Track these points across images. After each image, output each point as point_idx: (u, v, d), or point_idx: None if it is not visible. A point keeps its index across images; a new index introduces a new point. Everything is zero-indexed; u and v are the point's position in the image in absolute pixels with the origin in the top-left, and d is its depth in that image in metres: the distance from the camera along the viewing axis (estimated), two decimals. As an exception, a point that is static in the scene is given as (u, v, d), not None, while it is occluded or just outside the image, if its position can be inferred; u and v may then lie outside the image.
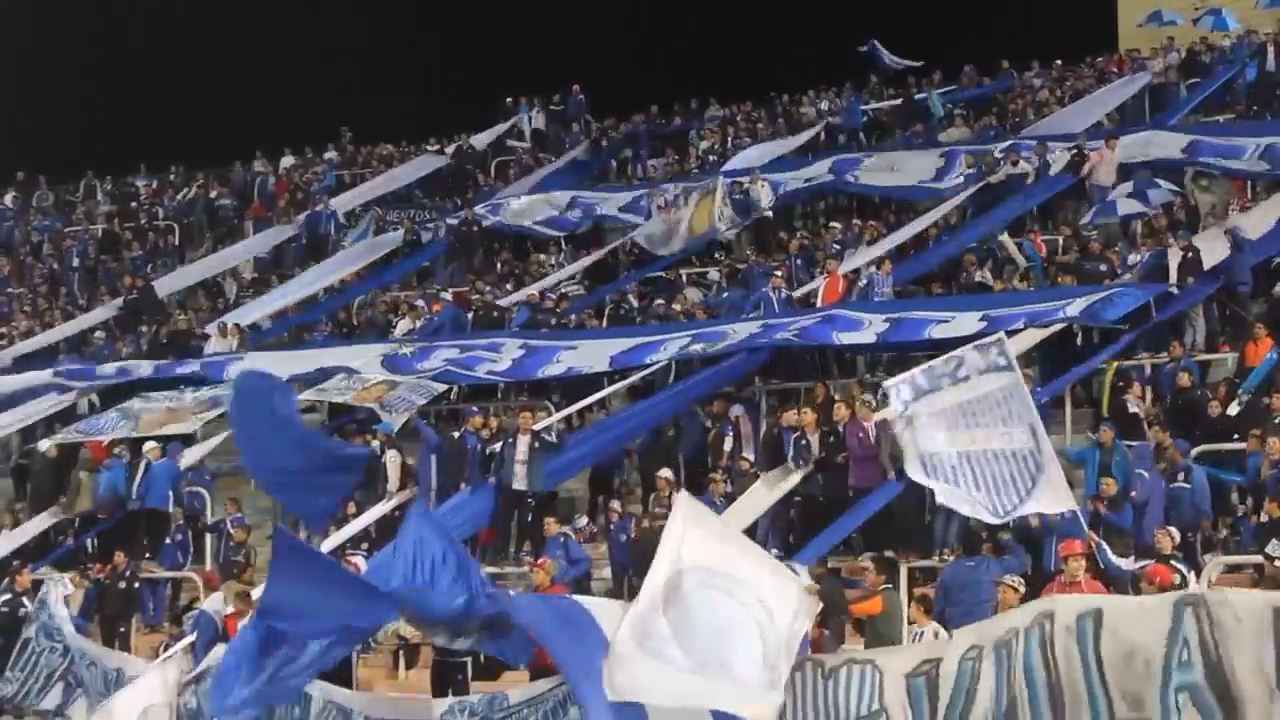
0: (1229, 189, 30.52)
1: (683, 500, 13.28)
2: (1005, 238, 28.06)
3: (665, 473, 22.01)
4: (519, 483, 21.75)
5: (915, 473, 17.17)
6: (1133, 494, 18.59)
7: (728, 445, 22.78)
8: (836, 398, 22.57)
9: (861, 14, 45.92)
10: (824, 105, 41.18)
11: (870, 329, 24.26)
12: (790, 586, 13.27)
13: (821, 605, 13.95)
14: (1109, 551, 16.83)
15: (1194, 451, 19.64)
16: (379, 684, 19.67)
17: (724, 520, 20.24)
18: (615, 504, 21.97)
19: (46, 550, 24.91)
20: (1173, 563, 15.94)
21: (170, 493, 24.63)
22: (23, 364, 33.27)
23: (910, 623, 16.76)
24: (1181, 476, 18.99)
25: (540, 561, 18.48)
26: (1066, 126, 34.45)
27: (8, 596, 21.23)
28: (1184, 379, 21.58)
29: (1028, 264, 27.60)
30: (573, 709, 14.32)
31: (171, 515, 24.68)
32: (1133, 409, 21.38)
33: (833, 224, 32.70)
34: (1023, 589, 15.46)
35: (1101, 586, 15.52)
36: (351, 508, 23.14)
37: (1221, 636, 10.86)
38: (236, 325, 32.26)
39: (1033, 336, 23.08)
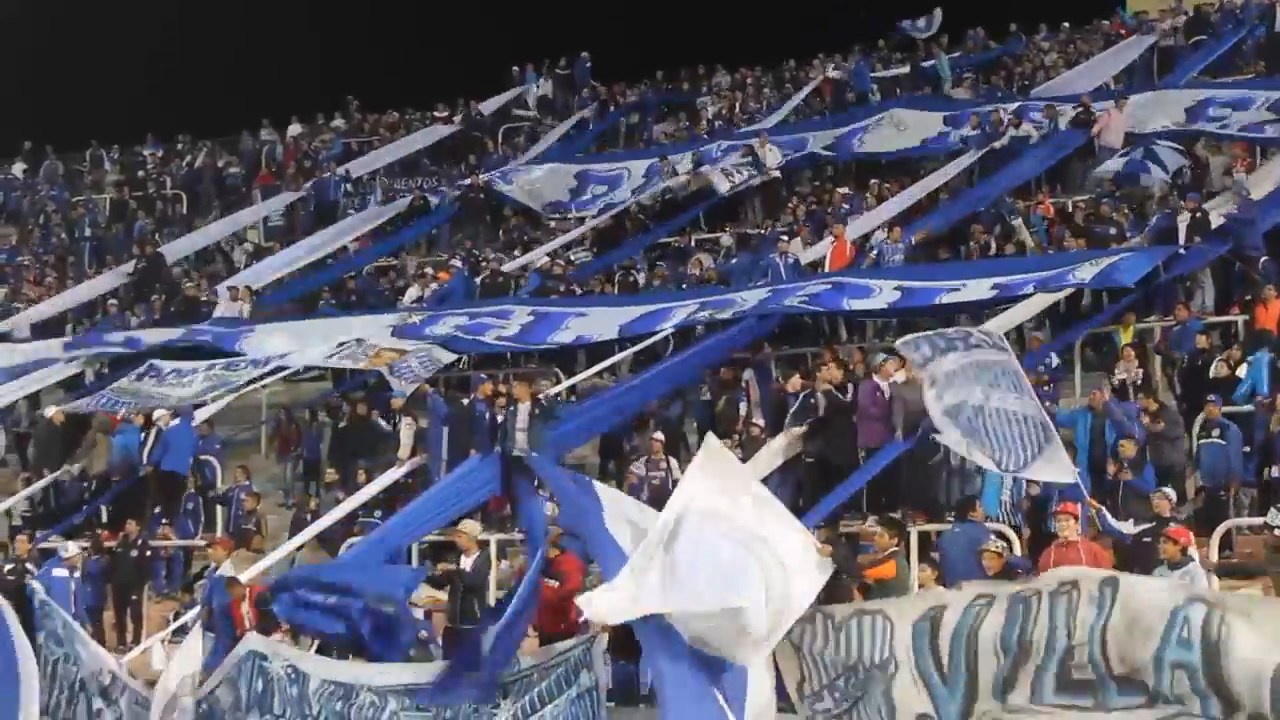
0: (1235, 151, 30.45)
1: (707, 449, 13.49)
2: (1019, 222, 27.82)
3: (658, 435, 22.03)
4: (520, 450, 21.72)
5: (944, 429, 17.06)
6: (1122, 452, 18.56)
7: (743, 410, 22.76)
8: (846, 362, 22.59)
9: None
10: (830, 71, 41.05)
11: (881, 296, 24.19)
12: (809, 546, 13.47)
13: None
14: (1109, 516, 16.80)
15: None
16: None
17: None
18: (636, 467, 21.86)
19: (57, 518, 24.97)
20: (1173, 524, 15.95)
21: (190, 457, 24.69)
22: (35, 332, 33.35)
23: (920, 586, 16.73)
24: (1217, 432, 18.94)
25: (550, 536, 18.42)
26: (1073, 88, 34.42)
27: (11, 565, 21.20)
28: (1201, 341, 21.52)
29: (1034, 233, 27.47)
30: (584, 674, 14.38)
31: (187, 480, 24.74)
32: (1120, 375, 21.37)
33: (841, 189, 32.65)
34: (1005, 554, 15.53)
35: (1099, 548, 15.57)
36: (362, 475, 23.23)
37: (1226, 630, 10.96)
38: (248, 288, 32.27)
39: (1042, 301, 23.11)
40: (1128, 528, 16.64)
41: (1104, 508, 16.92)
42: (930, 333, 17.82)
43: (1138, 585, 11.78)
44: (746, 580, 12.80)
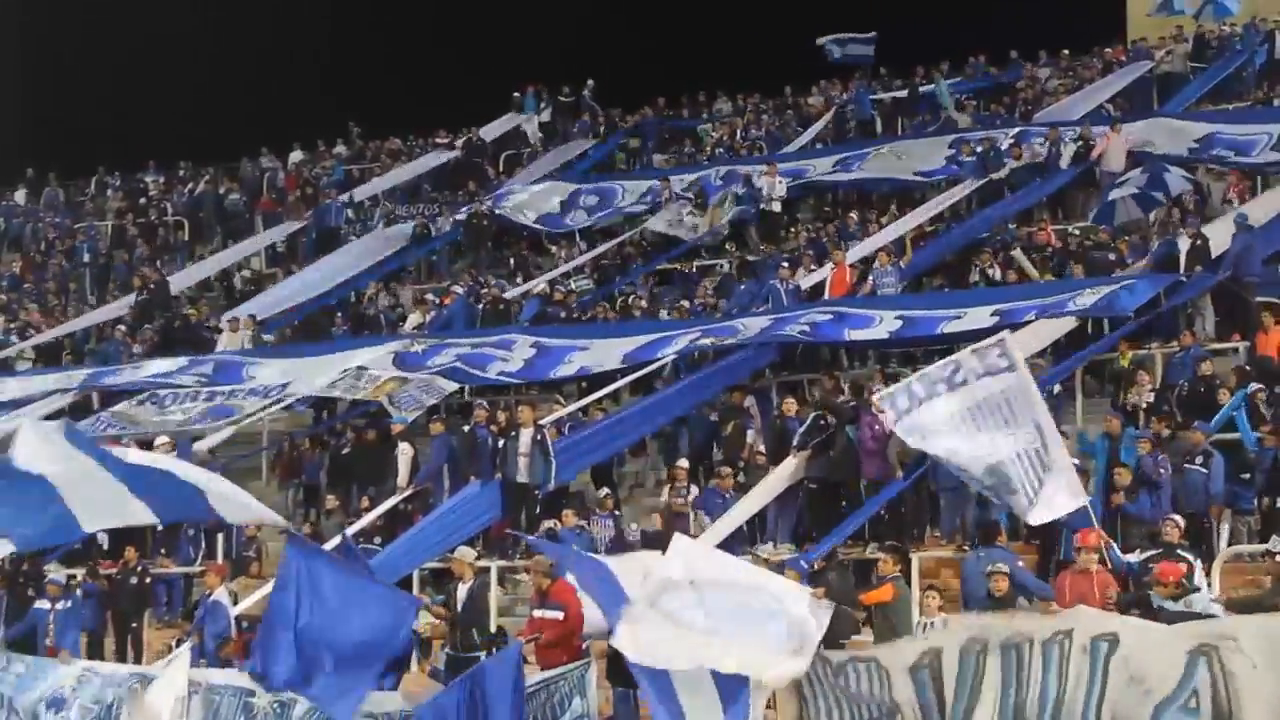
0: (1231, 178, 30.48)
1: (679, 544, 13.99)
2: (1018, 253, 27.76)
3: (682, 463, 22.04)
4: (521, 476, 21.71)
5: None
6: (1149, 474, 18.43)
7: (749, 438, 22.73)
8: (845, 388, 22.59)
9: (869, 5, 45.82)
10: (833, 95, 41.13)
11: (882, 325, 24.20)
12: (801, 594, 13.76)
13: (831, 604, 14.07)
14: (1116, 549, 16.72)
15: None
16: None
17: (733, 510, 20.42)
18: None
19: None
20: (1179, 553, 15.90)
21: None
22: (39, 356, 33.46)
23: (921, 612, 16.69)
24: (1200, 460, 18.89)
25: (531, 563, 18.26)
26: (1070, 114, 34.49)
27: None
28: (1205, 368, 21.48)
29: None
30: (577, 700, 14.31)
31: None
32: (1133, 400, 21.34)
33: (849, 215, 32.70)
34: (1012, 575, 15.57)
35: (1112, 579, 15.52)
36: (365, 502, 23.22)
37: (1235, 686, 10.93)
38: (251, 317, 32.26)
39: (1049, 335, 23.09)
40: (1134, 556, 16.60)
41: (1113, 542, 16.82)
42: (914, 378, 17.63)
43: (1139, 644, 11.68)
44: (767, 618, 13.00)
